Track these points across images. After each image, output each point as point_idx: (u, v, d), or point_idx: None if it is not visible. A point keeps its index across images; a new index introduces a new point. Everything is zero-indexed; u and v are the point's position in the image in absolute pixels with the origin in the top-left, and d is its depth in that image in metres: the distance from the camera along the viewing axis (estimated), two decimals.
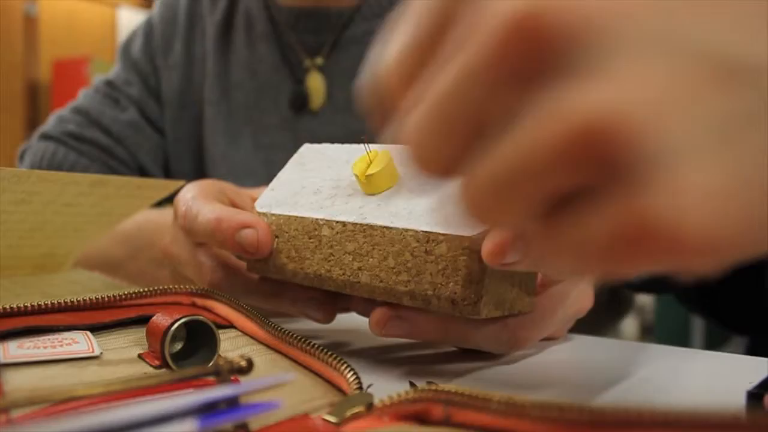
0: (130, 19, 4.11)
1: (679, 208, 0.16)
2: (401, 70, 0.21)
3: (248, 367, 0.23)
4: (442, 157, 0.20)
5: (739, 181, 0.16)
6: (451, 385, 0.23)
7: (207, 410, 0.20)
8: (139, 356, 0.29)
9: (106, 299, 0.32)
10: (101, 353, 0.28)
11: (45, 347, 0.27)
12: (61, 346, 0.28)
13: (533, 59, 0.17)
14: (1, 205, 0.39)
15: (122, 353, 0.29)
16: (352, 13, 0.69)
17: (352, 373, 0.26)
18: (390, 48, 0.21)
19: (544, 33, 0.17)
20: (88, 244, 0.51)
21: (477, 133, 0.19)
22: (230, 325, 0.34)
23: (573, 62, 0.17)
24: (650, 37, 0.17)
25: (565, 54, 0.17)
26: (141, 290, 0.34)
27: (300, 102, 0.70)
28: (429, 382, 0.26)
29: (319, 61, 0.70)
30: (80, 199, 0.43)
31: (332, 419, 0.24)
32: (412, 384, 0.28)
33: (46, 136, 0.74)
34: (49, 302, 0.31)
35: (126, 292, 0.33)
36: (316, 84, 0.69)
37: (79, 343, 0.28)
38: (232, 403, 0.21)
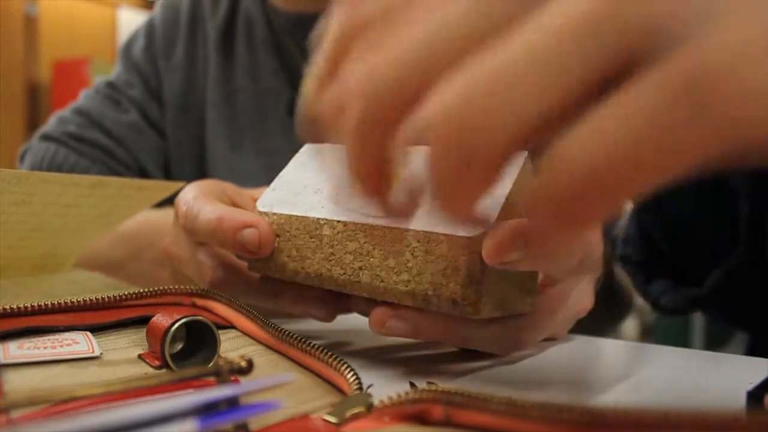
0: (130, 20, 4.11)
1: (729, 57, 0.17)
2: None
3: (248, 368, 0.23)
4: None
5: None
6: (451, 386, 0.23)
7: (207, 410, 0.20)
8: (140, 357, 0.29)
9: (107, 300, 0.32)
10: (101, 354, 0.28)
11: (45, 348, 0.27)
12: (62, 346, 0.28)
13: None
14: (1, 206, 0.39)
15: (122, 354, 0.29)
16: None
17: (352, 373, 0.26)
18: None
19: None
20: (88, 244, 0.51)
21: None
22: (230, 326, 0.34)
23: None
24: None
25: None
26: (141, 291, 0.34)
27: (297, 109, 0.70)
28: (429, 382, 0.26)
29: None
30: (80, 200, 0.43)
31: (332, 419, 0.24)
32: (412, 384, 0.28)
33: (46, 137, 0.74)
34: (50, 302, 0.31)
35: (126, 293, 0.33)
36: None
37: (80, 343, 0.28)
38: (232, 404, 0.21)
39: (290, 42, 0.71)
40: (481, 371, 0.34)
